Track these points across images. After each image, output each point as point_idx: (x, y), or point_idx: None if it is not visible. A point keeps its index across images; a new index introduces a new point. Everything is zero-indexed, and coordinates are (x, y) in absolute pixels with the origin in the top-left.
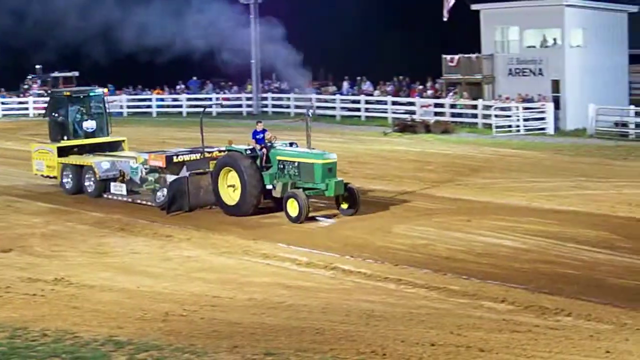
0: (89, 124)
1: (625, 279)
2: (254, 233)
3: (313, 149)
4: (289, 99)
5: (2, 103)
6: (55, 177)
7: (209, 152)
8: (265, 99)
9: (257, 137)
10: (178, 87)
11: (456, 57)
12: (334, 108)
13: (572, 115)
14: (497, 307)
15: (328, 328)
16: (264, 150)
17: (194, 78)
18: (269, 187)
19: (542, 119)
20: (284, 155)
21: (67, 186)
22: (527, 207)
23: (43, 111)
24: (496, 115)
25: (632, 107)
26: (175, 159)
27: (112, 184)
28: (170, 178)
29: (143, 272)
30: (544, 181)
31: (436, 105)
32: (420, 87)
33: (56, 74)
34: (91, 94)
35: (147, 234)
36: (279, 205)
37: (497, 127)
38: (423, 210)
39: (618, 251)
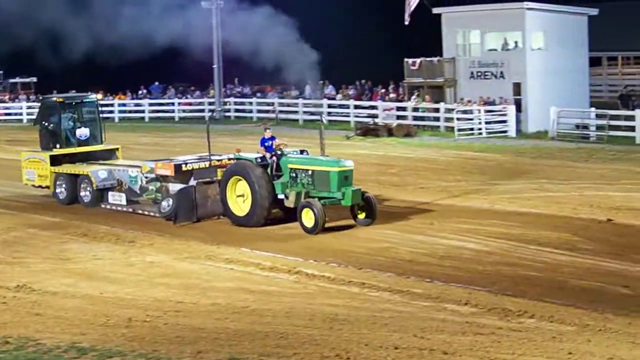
0: (82, 132)
1: (587, 281)
2: (217, 238)
3: (327, 156)
4: (251, 103)
5: None
6: (47, 187)
7: (218, 160)
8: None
9: (266, 144)
10: (140, 92)
11: (418, 60)
12: (296, 112)
13: (534, 118)
14: (460, 310)
15: (292, 332)
16: (274, 158)
17: (156, 83)
18: (281, 196)
19: (504, 121)
20: (297, 163)
21: (61, 196)
22: (489, 209)
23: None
24: (458, 119)
25: (593, 109)
26: (184, 168)
27: (110, 193)
28: (172, 187)
29: (106, 278)
30: (506, 184)
31: (398, 108)
32: (383, 90)
33: (16, 79)
34: (84, 100)
35: (109, 240)
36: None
37: (459, 130)
38: (386, 213)
39: (580, 253)
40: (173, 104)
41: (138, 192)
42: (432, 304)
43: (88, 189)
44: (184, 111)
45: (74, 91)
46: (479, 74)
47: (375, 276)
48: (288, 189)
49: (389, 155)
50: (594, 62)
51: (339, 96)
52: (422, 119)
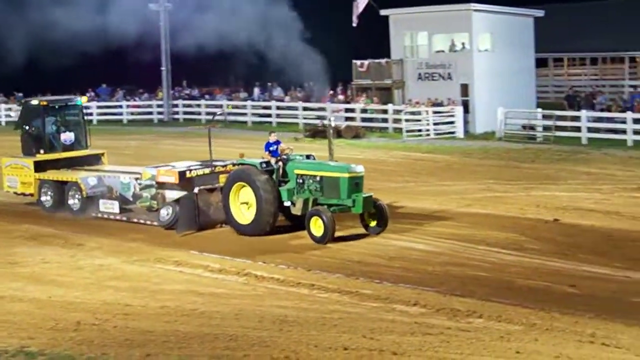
0: (67, 136)
1: (534, 280)
2: (166, 240)
3: (336, 161)
4: (199, 105)
5: None
6: (31, 195)
7: (222, 166)
8: (176, 105)
9: (271, 148)
10: (88, 94)
11: (366, 62)
12: (245, 114)
13: (481, 119)
14: (410, 310)
15: (241, 334)
16: (280, 163)
17: (104, 85)
18: (287, 203)
19: (452, 122)
20: (304, 169)
21: (47, 204)
22: (438, 210)
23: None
24: (406, 120)
25: (540, 110)
26: (188, 174)
27: (101, 201)
28: (169, 194)
29: (54, 282)
30: (454, 184)
31: (347, 110)
32: (331, 92)
33: None
34: (68, 103)
35: (57, 243)
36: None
37: (407, 131)
38: (335, 215)
39: (527, 253)
40: (121, 106)
41: (130, 199)
42: (381, 304)
43: (77, 196)
44: (132, 114)
45: (20, 94)
46: (427, 75)
47: (324, 277)
48: (295, 195)
49: (337, 157)
50: (541, 63)
51: (288, 98)
52: (370, 120)
